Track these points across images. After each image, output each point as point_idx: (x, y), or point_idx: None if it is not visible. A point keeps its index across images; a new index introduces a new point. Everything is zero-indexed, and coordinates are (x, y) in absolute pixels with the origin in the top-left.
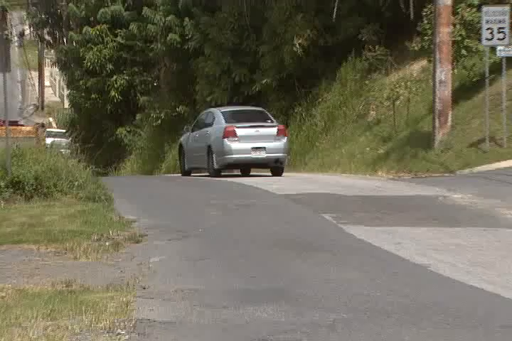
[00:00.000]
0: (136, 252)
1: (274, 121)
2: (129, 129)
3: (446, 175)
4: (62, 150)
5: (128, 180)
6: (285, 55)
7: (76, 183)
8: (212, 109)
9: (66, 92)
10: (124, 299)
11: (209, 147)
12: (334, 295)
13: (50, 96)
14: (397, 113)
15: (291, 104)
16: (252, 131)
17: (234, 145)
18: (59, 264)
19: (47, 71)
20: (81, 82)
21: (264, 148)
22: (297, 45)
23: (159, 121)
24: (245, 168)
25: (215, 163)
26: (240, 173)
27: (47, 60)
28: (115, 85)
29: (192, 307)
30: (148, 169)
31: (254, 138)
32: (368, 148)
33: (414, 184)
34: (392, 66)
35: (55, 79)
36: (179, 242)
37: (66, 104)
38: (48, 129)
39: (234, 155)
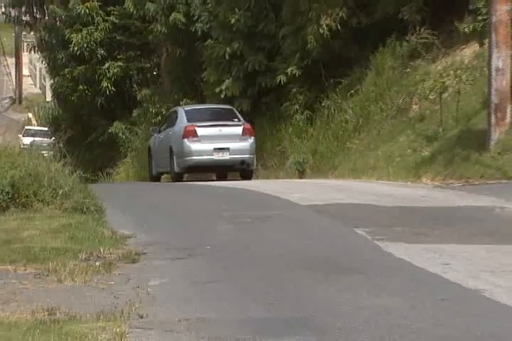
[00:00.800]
0: (132, 274)
1: (242, 119)
2: (124, 126)
3: (504, 181)
4: (43, 152)
5: (122, 187)
6: (309, 39)
7: (60, 191)
8: (176, 108)
9: (48, 83)
10: (118, 330)
11: (171, 149)
12: (368, 327)
13: (30, 87)
14: (444, 107)
15: (317, 97)
16: (214, 131)
17: (194, 145)
18: (40, 288)
19: (25, 57)
20: (66, 70)
21: (228, 148)
22: (324, 26)
23: (159, 118)
24: (213, 171)
25: (175, 166)
26: (214, 179)
27: (25, 44)
28: (107, 74)
29: (199, 340)
30: (147, 174)
31: (217, 138)
32: (409, 150)
33: (466, 193)
34: (439, 51)
35: (35, 68)
36: (183, 262)
37: (48, 97)
38: (26, 127)
39: (194, 157)
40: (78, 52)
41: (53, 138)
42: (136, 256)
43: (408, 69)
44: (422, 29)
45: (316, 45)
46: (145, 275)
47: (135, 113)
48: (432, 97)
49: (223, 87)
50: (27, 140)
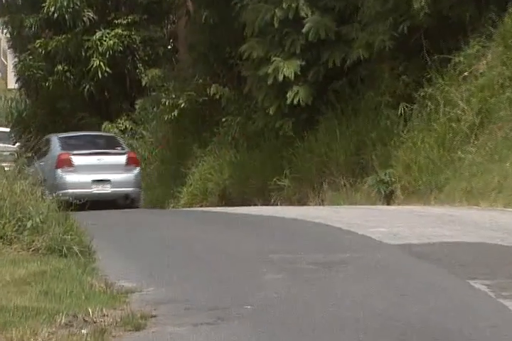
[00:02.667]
0: None
1: (126, 148)
2: (122, 126)
3: None
4: (4, 165)
5: (121, 216)
6: None
7: (29, 224)
8: (49, 135)
9: (11, 62)
10: None
11: (44, 181)
12: None
13: None
14: None
15: (416, 83)
16: (93, 160)
17: (69, 177)
18: None
19: None
20: (38, 43)
21: (109, 181)
22: None
23: (175, 113)
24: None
25: None
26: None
27: None
28: (99, 48)
29: None
30: (158, 197)
31: (97, 169)
32: None
33: None
34: None
35: None
36: (211, 329)
37: (10, 83)
38: None
39: (69, 190)
40: (55, 16)
41: (18, 144)
42: (141, 319)
43: None
44: None
45: (414, 3)
46: None
47: (139, 105)
48: None
49: (271, 68)
50: None
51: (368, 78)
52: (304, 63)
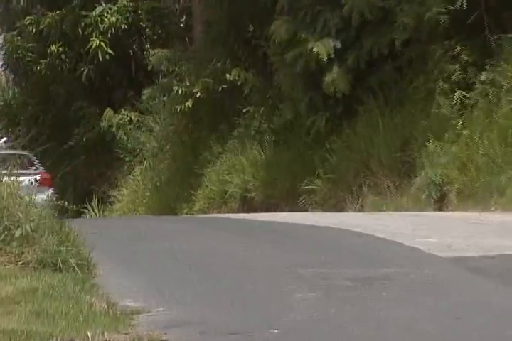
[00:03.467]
0: None
1: (40, 167)
2: (126, 117)
3: None
4: None
5: (126, 224)
6: None
7: (17, 233)
8: None
9: None
10: None
11: None
12: None
13: None
14: None
15: (475, 66)
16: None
17: None
18: None
19: None
20: (28, 19)
21: None
22: None
23: (189, 103)
24: None
25: None
26: None
27: None
28: (100, 26)
29: None
30: (169, 202)
31: None
32: None
33: None
34: None
35: None
36: None
37: None
38: None
39: None
40: None
41: (4, 138)
42: None
43: None
44: None
45: None
46: None
47: (147, 94)
48: None
49: (303, 51)
50: None
51: (418, 61)
52: (340, 45)
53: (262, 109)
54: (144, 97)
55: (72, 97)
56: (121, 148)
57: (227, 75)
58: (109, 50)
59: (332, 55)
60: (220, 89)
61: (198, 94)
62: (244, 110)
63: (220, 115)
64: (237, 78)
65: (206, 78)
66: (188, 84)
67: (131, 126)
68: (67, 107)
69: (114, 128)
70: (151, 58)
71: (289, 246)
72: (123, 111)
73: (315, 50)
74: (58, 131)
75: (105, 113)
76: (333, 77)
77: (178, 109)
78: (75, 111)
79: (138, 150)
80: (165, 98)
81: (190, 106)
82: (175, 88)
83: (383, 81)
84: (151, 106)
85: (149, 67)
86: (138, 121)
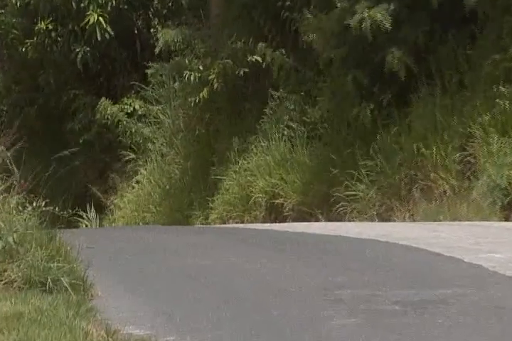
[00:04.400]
0: None
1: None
2: (129, 107)
3: None
4: None
5: (131, 236)
6: None
7: None
8: None
9: None
10: None
11: None
12: None
13: None
14: None
15: None
16: None
17: None
18: None
19: None
20: None
21: None
22: None
23: (205, 93)
24: None
25: None
26: None
27: None
28: None
29: None
30: (180, 209)
31: None
32: None
33: None
34: None
35: None
36: None
37: None
38: None
39: None
40: None
41: None
42: None
43: None
44: None
45: None
46: None
47: (152, 69)
48: None
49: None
50: None
51: (489, 33)
52: (405, 9)
53: (293, 97)
54: (149, 72)
55: (64, 84)
56: (122, 146)
57: (249, 57)
58: (109, 28)
59: (388, 26)
60: (241, 73)
61: (215, 82)
62: (270, 99)
63: (242, 105)
64: (263, 59)
65: (225, 60)
66: (202, 63)
67: (135, 118)
68: (58, 96)
69: (113, 121)
70: (159, 37)
71: (325, 263)
72: (125, 100)
73: (373, 15)
74: (47, 124)
75: (100, 103)
76: (396, 48)
77: (191, 101)
78: (68, 102)
79: (143, 148)
80: (176, 84)
81: (206, 96)
82: (186, 73)
83: (442, 60)
84: (159, 94)
85: (157, 48)
86: (143, 111)
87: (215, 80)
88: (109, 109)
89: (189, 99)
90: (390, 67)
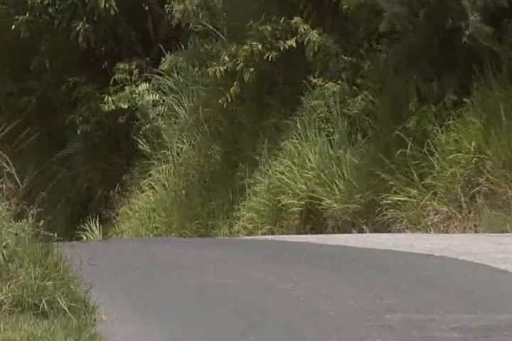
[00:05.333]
0: None
1: None
2: (139, 97)
3: None
4: None
5: (140, 250)
6: None
7: None
8: None
9: None
10: None
11: None
12: None
13: None
14: None
15: None
16: None
17: None
18: None
19: None
20: None
21: None
22: None
23: (235, 88)
24: None
25: None
26: None
27: None
28: None
29: None
30: (199, 218)
31: None
32: None
33: None
34: None
35: None
36: None
37: None
38: None
39: None
40: None
41: None
42: None
43: None
44: None
45: None
46: None
47: (166, 61)
48: None
49: None
50: None
51: None
52: None
53: (333, 85)
54: (162, 67)
55: (61, 70)
56: (131, 143)
57: (284, 37)
58: (114, 2)
59: None
60: (271, 57)
61: (245, 72)
62: (306, 87)
63: (272, 95)
64: (296, 40)
65: (252, 44)
66: (226, 59)
67: (147, 109)
68: (54, 84)
69: (120, 113)
70: (174, 13)
71: (371, 282)
72: (135, 89)
73: None
74: (42, 117)
75: (106, 92)
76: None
77: (221, 102)
78: (66, 90)
79: (155, 145)
80: (195, 69)
81: (236, 91)
82: (210, 70)
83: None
84: (176, 82)
85: (174, 22)
86: (155, 103)
87: (245, 70)
88: (115, 99)
89: (220, 101)
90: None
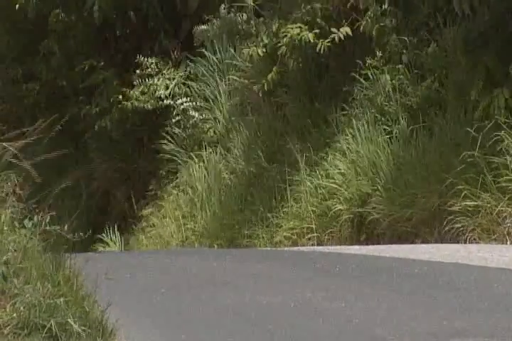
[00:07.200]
0: None
1: None
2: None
3: None
4: None
5: (164, 263)
6: None
7: None
8: None
9: None
10: None
11: None
12: None
13: None
14: None
15: None
16: None
17: None
18: None
19: None
20: None
21: None
22: None
23: (273, 74)
24: None
25: None
26: None
27: None
28: None
29: None
30: (235, 227)
31: None
32: None
33: None
34: None
35: None
36: None
37: None
38: None
39: None
40: None
41: None
42: None
43: None
44: None
45: None
46: None
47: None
48: None
49: None
50: None
51: None
52: None
53: (392, 69)
54: (195, 35)
55: (75, 52)
56: (156, 137)
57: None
58: None
59: None
60: (323, 49)
61: (287, 57)
62: (360, 73)
63: (322, 83)
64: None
65: (297, 26)
66: (265, 40)
67: (177, 98)
68: (67, 68)
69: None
70: None
71: (437, 301)
72: (161, 76)
73: None
74: (51, 107)
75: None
76: None
77: (257, 89)
78: (82, 74)
79: (186, 141)
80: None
81: (275, 78)
82: (246, 51)
83: None
84: (210, 67)
85: None
86: (185, 92)
87: (288, 54)
88: (139, 93)
89: (254, 88)
90: None
